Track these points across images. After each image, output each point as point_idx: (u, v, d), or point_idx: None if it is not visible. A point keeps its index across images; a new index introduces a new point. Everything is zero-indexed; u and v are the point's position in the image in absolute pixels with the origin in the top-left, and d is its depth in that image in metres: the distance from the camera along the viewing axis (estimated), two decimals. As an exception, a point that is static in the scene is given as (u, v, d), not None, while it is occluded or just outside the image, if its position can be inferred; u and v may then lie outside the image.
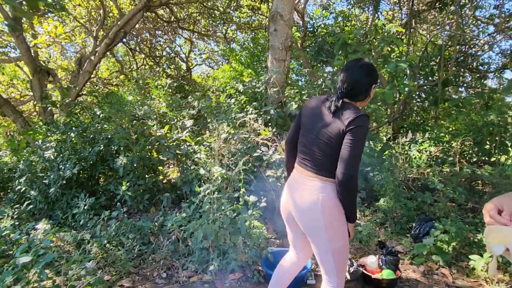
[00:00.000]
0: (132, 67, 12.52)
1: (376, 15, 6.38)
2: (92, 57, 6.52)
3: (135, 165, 3.80)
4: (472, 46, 5.88)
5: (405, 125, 5.67)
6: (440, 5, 5.49)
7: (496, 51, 6.28)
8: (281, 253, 2.79)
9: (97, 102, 6.39)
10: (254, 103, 5.11)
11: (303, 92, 5.06)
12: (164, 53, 12.14)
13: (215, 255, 2.57)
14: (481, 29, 6.29)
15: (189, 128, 4.76)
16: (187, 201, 3.10)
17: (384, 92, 3.91)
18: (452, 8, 5.41)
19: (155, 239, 3.03)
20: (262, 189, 3.89)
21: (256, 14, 9.54)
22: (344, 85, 1.61)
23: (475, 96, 4.81)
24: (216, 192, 2.92)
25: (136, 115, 4.34)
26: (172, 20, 9.81)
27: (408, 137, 5.90)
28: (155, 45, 11.78)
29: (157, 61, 11.84)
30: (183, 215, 2.86)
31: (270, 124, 4.55)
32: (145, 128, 4.09)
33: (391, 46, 4.20)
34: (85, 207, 3.34)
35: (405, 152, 4.78)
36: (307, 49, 7.04)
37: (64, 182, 3.68)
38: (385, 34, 4.08)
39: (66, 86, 6.33)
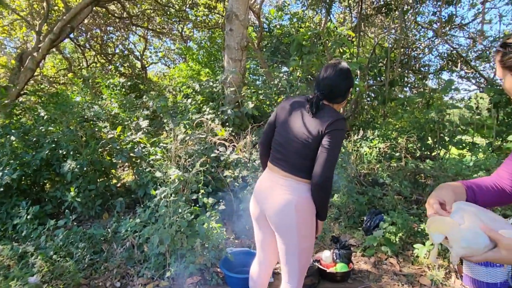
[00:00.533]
0: (81, 64, 11.80)
1: (329, 18, 6.63)
2: (35, 54, 6.04)
3: (85, 169, 3.59)
4: (414, 49, 6.34)
5: (357, 123, 5.96)
6: (386, 10, 5.84)
7: (435, 54, 6.84)
8: (240, 253, 2.81)
9: (41, 103, 5.93)
10: (211, 103, 5.07)
11: (259, 92, 5.12)
12: (117, 51, 11.59)
13: (172, 260, 2.52)
14: (422, 33, 6.80)
15: (144, 129, 4.60)
16: (142, 205, 2.99)
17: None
18: (397, 13, 5.79)
19: (108, 247, 2.89)
20: (220, 190, 3.87)
21: (213, 13, 9.45)
22: (324, 87, 1.63)
23: (418, 95, 5.19)
24: (172, 195, 2.85)
25: (85, 116, 4.10)
26: (124, 16, 9.39)
27: (359, 135, 6.22)
28: (107, 42, 11.20)
29: (109, 58, 11.27)
30: (138, 220, 2.76)
31: (227, 124, 4.54)
32: (95, 130, 3.88)
33: (342, 48, 4.38)
34: (28, 217, 3.09)
35: (357, 149, 5.02)
36: (264, 49, 7.12)
37: (2, 189, 3.38)
38: (337, 36, 4.26)
39: (4, 85, 5.80)
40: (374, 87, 5.99)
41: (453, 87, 5.02)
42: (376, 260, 2.94)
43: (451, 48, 6.10)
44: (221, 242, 2.71)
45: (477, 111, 5.48)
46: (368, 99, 6.40)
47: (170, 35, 11.46)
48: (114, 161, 3.85)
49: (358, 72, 5.84)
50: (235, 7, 4.70)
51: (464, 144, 5.03)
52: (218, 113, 4.54)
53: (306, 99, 1.67)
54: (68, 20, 6.06)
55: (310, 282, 2.56)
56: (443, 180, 3.72)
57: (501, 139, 5.04)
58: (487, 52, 6.13)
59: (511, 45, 0.88)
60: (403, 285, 2.60)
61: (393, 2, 5.79)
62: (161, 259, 2.58)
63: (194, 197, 3.13)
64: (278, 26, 7.33)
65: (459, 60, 6.20)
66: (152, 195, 2.90)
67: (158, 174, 3.12)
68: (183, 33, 11.40)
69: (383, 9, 5.94)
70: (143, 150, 3.96)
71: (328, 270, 2.64)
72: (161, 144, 4.18)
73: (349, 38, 6.70)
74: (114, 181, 4.12)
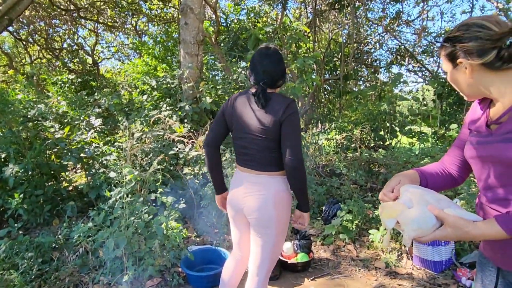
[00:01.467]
0: (24, 60, 10.91)
1: (285, 13, 6.70)
2: (-33, 49, 5.47)
3: (30, 173, 3.33)
4: (366, 44, 6.62)
5: (315, 116, 6.11)
6: (339, 7, 6.03)
7: (385, 49, 7.20)
8: (202, 251, 2.77)
9: (-23, 102, 5.40)
10: (168, 99, 4.92)
11: (218, 87, 5.07)
12: (65, 46, 10.85)
13: (129, 263, 2.42)
14: (372, 29, 7.13)
15: (97, 128, 4.36)
16: (96, 208, 2.84)
17: (294, 86, 4.15)
18: (349, 9, 5.99)
19: (58, 255, 2.71)
20: (180, 188, 3.79)
21: (168, 6, 9.16)
22: (264, 75, 1.60)
23: (370, 88, 5.43)
24: (129, 196, 2.74)
25: (28, 116, 3.79)
26: (71, 8, 8.80)
27: (318, 127, 6.39)
28: (53, 36, 10.44)
29: (57, 54, 10.53)
30: (91, 224, 2.61)
31: (185, 120, 4.44)
32: (39, 130, 3.61)
33: (298, 43, 4.45)
34: (-35, 228, 2.81)
35: (315, 142, 5.16)
36: (221, 44, 7.05)
37: None
38: (293, 32, 4.31)
39: None
40: (330, 81, 6.17)
41: (401, 80, 5.32)
42: (334, 248, 3.05)
43: (399, 43, 6.47)
44: (181, 241, 2.65)
45: (424, 102, 5.87)
46: (325, 92, 6.60)
47: (123, 29, 10.94)
48: (63, 163, 3.60)
49: (315, 66, 5.99)
50: (190, 0, 4.59)
51: (413, 133, 5.37)
52: (176, 109, 4.42)
53: (251, 94, 1.64)
54: (5, 12, 5.55)
55: (272, 275, 2.59)
56: (395, 168, 3.95)
57: (444, 127, 5.44)
58: (431, 47, 6.58)
59: (453, 39, 0.93)
60: (360, 269, 2.72)
61: (345, -1, 5.98)
62: (118, 263, 2.47)
63: (153, 197, 3.03)
64: (235, 21, 7.28)
65: (406, 55, 6.59)
66: (106, 197, 2.76)
67: (112, 174, 2.98)
68: (137, 27, 10.93)
69: (336, 5, 6.13)
70: (96, 150, 3.76)
71: (289, 261, 2.69)
72: (116, 143, 3.99)
73: (304, 33, 6.83)
74: (65, 184, 3.87)
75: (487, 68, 0.90)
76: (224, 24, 7.22)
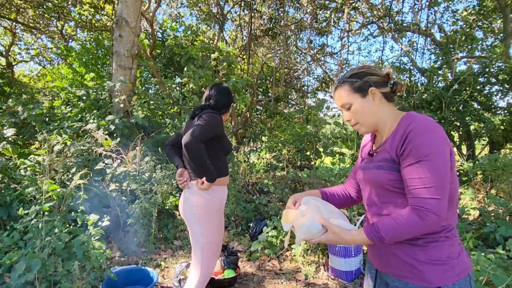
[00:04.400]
0: None
1: (221, 34, 6.95)
2: None
3: None
4: (295, 70, 7.18)
5: (247, 136, 6.35)
6: (272, 34, 6.47)
7: (312, 76, 7.88)
8: (126, 271, 2.68)
9: None
10: (96, 111, 4.70)
11: (151, 102, 4.99)
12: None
13: (42, 288, 2.24)
14: (301, 57, 7.76)
15: (10, 139, 3.96)
16: (7, 228, 2.57)
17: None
18: (281, 37, 6.47)
19: (-47, 282, 2.38)
20: (106, 206, 3.62)
21: (100, 14, 8.76)
22: (210, 101, 2.02)
23: (298, 111, 5.87)
24: (46, 214, 2.55)
25: None
26: (-17, 2, 7.87)
27: (250, 146, 6.65)
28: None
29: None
30: (-2, 246, 2.37)
31: (115, 134, 4.27)
32: None
33: (231, 65, 4.67)
34: None
35: (247, 160, 5.36)
36: (157, 59, 6.97)
37: None
38: (227, 55, 4.52)
39: None
40: (262, 102, 6.52)
41: (325, 105, 5.86)
42: (260, 263, 3.21)
43: (324, 72, 7.15)
44: (103, 262, 2.54)
45: (344, 126, 6.53)
46: (257, 113, 6.92)
47: (47, 31, 10.08)
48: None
49: (248, 87, 6.28)
50: (125, 13, 4.52)
51: (334, 154, 5.91)
52: (103, 121, 4.24)
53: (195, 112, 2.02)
54: None
55: (198, 291, 2.62)
56: (317, 186, 4.31)
57: (360, 150, 6.10)
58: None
59: (359, 75, 1.16)
60: (282, 282, 2.91)
61: (278, 27, 6.46)
62: (28, 288, 2.27)
63: (74, 215, 2.85)
64: (171, 36, 7.29)
65: (330, 83, 7.32)
66: (17, 216, 2.53)
67: (30, 189, 2.75)
68: (63, 31, 10.17)
69: (270, 32, 6.57)
70: (7, 163, 3.40)
71: (216, 278, 2.76)
72: (31, 156, 3.66)
73: (240, 55, 7.14)
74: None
75: (385, 98, 1.16)
76: (160, 39, 7.17)
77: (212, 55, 4.72)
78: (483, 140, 6.17)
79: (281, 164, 5.17)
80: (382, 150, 1.14)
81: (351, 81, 1.16)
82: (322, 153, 5.92)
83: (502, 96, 5.36)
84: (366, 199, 1.23)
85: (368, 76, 1.15)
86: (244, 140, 6.40)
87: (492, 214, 3.37)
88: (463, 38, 5.75)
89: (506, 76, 4.99)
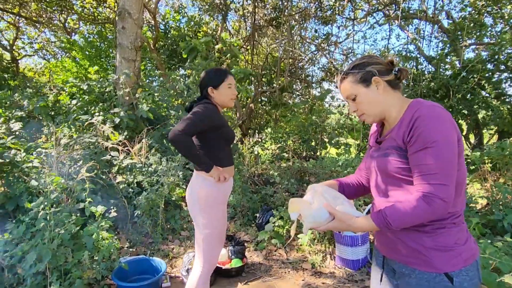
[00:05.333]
0: None
1: (225, 25, 6.88)
2: None
3: None
4: (300, 60, 7.11)
5: (252, 127, 6.34)
6: (276, 24, 6.40)
7: (317, 66, 7.80)
8: (135, 261, 2.71)
9: None
10: (101, 104, 4.71)
11: (155, 95, 4.99)
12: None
13: (54, 278, 2.28)
14: (306, 47, 7.68)
15: (17, 133, 3.98)
16: (14, 220, 2.61)
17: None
18: (285, 27, 6.40)
19: (-34, 273, 2.43)
20: (113, 197, 3.65)
21: (102, 6, 8.72)
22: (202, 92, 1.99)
23: (303, 102, 5.84)
24: (53, 206, 2.58)
25: None
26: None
27: (255, 137, 6.63)
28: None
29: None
30: (6, 237, 2.40)
31: (120, 127, 4.29)
32: None
33: (234, 56, 4.64)
34: None
35: (252, 151, 5.36)
36: (160, 51, 6.95)
37: None
38: (230, 46, 4.49)
39: None
40: (266, 93, 6.48)
41: (329, 95, 5.82)
42: (267, 253, 3.22)
43: (329, 62, 7.07)
44: (113, 252, 2.57)
45: (349, 117, 6.49)
46: (262, 104, 6.89)
47: (50, 25, 10.07)
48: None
49: (253, 78, 6.25)
50: (128, 4, 4.49)
51: (340, 145, 5.89)
52: (109, 115, 4.25)
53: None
54: None
55: (206, 281, 2.65)
56: (323, 177, 4.30)
57: (366, 140, 6.07)
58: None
59: (361, 65, 1.15)
60: (289, 271, 2.93)
61: (282, 17, 6.38)
62: (40, 279, 2.30)
63: (81, 206, 2.88)
64: (174, 28, 7.24)
65: (335, 73, 7.24)
66: (26, 209, 2.56)
67: (34, 183, 2.77)
68: (66, 24, 10.16)
69: (274, 22, 6.49)
70: (15, 156, 3.43)
71: (223, 267, 2.78)
72: (39, 150, 3.69)
73: (243, 46, 7.09)
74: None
75: (389, 86, 1.14)
76: (163, 31, 7.13)
77: (216, 46, 4.69)
78: (491, 129, 6.09)
79: (286, 155, 5.16)
80: (389, 138, 1.13)
81: (354, 72, 1.15)
82: (327, 144, 5.90)
83: (511, 84, 5.27)
84: (373, 187, 1.22)
85: (370, 66, 1.14)
86: (249, 131, 6.38)
87: (500, 202, 3.34)
88: (472, 24, 5.63)
89: (515, 63, 4.90)
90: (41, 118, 4.45)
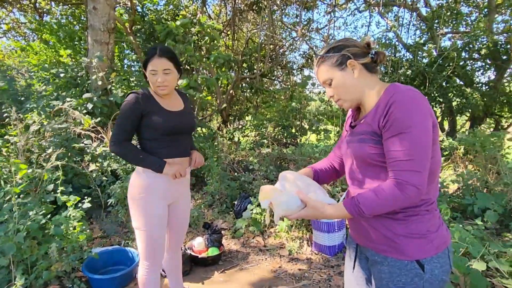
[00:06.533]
0: None
1: (204, 8, 6.68)
2: None
3: None
4: (281, 46, 7.02)
5: (232, 113, 6.26)
6: (257, 8, 6.25)
7: (298, 53, 7.74)
8: (108, 252, 2.64)
9: None
10: (73, 89, 4.50)
11: (131, 79, 4.81)
12: None
13: (19, 272, 2.18)
14: (287, 33, 7.58)
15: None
16: (-23, 212, 2.47)
17: (208, 80, 4.22)
18: (266, 12, 6.27)
19: None
20: (85, 186, 3.53)
21: (74, -15, 8.26)
22: None
23: (284, 89, 5.79)
24: (20, 197, 2.46)
25: None
26: None
27: (236, 124, 6.56)
28: None
29: None
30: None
31: (94, 113, 4.12)
32: None
33: (213, 40, 4.51)
34: None
35: (232, 137, 5.31)
36: (137, 34, 6.68)
37: None
38: (209, 29, 4.36)
39: None
40: (247, 79, 6.38)
41: (310, 82, 5.79)
42: (244, 240, 3.22)
43: (310, 48, 7.03)
44: (83, 242, 2.49)
45: (329, 103, 6.50)
46: (242, 90, 6.80)
47: (19, 4, 9.49)
48: None
49: (233, 64, 6.12)
50: (99, -17, 4.25)
51: (319, 131, 5.91)
52: (81, 99, 4.07)
53: None
54: None
55: (182, 270, 2.62)
56: (302, 164, 4.31)
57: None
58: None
59: (336, 48, 1.11)
60: (266, 258, 2.93)
61: (263, 1, 6.24)
62: (3, 273, 2.20)
63: (51, 197, 2.77)
64: (151, 10, 6.97)
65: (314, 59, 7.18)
66: (-10, 199, 2.43)
67: (-2, 172, 2.63)
68: (36, 4, 9.59)
69: (255, 6, 6.34)
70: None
71: (199, 256, 2.76)
72: (6, 137, 3.50)
73: (223, 31, 6.92)
74: None
75: (365, 69, 1.11)
76: (140, 14, 6.85)
77: (193, 30, 4.53)
78: (465, 116, 6.26)
79: (266, 142, 5.14)
80: (363, 122, 1.10)
81: (329, 56, 1.11)
82: (307, 130, 5.90)
83: (484, 72, 5.40)
84: (348, 173, 1.20)
85: (346, 49, 1.10)
86: (230, 118, 6.30)
87: (471, 187, 3.45)
88: (448, 13, 5.69)
89: (487, 51, 5.00)
90: (6, 102, 4.20)
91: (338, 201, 1.16)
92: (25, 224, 2.24)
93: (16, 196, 2.34)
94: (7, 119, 3.44)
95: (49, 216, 2.49)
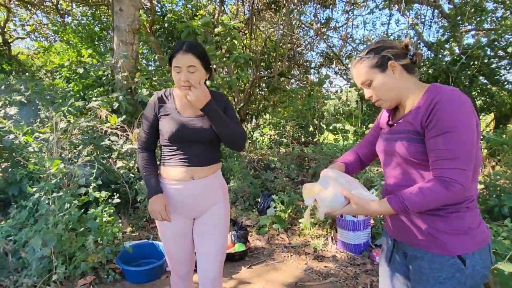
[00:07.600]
0: None
1: (222, 8, 6.74)
2: None
3: None
4: (299, 45, 7.02)
5: (250, 112, 6.31)
6: (275, 7, 6.28)
7: (316, 52, 7.73)
8: (138, 246, 2.72)
9: None
10: (99, 88, 4.63)
11: (153, 79, 4.91)
12: (-36, 19, 9.30)
13: (59, 262, 2.28)
14: (305, 31, 7.58)
15: (13, 117, 3.91)
16: (16, 205, 2.59)
17: (230, 80, 4.27)
18: (284, 11, 6.29)
19: (-31, 258, 2.42)
20: (113, 183, 3.63)
21: (96, -13, 8.46)
22: None
23: (301, 87, 5.80)
24: (55, 191, 2.56)
25: None
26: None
27: (253, 122, 6.61)
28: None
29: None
30: (10, 222, 2.39)
31: (120, 112, 4.23)
32: None
33: (234, 40, 4.56)
34: None
35: (251, 136, 5.35)
36: (157, 34, 6.81)
37: None
38: (229, 29, 4.41)
39: None
40: (265, 78, 6.42)
41: (327, 80, 5.79)
42: (269, 237, 3.26)
43: (328, 47, 7.01)
44: (116, 236, 2.58)
45: (347, 103, 6.48)
46: (260, 89, 6.84)
47: (42, 6, 9.77)
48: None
49: (251, 63, 6.17)
50: (124, -15, 4.35)
51: (337, 131, 5.90)
52: (107, 100, 4.18)
53: None
54: None
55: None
56: (323, 162, 4.32)
57: (364, 126, 6.09)
58: (355, 53, 7.27)
59: (376, 50, 1.13)
60: (291, 255, 2.97)
61: (281, 0, 6.26)
62: (45, 263, 2.31)
63: (83, 191, 2.87)
64: (171, 11, 7.08)
65: (333, 58, 7.18)
66: (28, 193, 2.54)
67: (32, 166, 2.74)
68: (58, 6, 9.86)
69: (273, 5, 6.37)
70: (13, 140, 3.38)
71: (227, 252, 2.81)
72: (36, 134, 3.63)
73: (241, 30, 6.96)
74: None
75: (405, 71, 1.13)
76: (160, 13, 6.97)
77: (216, 30, 4.59)
78: (490, 115, 6.13)
79: (285, 140, 5.16)
80: (404, 121, 1.13)
81: (369, 57, 1.13)
82: (325, 129, 5.90)
83: (510, 70, 5.28)
84: (386, 171, 1.22)
85: (386, 50, 1.12)
86: (247, 117, 6.35)
87: (498, 188, 3.40)
88: (472, 10, 5.58)
89: (515, 49, 4.89)
90: (38, 102, 4.36)
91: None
92: (63, 217, 2.34)
93: (51, 191, 2.44)
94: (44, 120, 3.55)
95: (82, 210, 2.58)
